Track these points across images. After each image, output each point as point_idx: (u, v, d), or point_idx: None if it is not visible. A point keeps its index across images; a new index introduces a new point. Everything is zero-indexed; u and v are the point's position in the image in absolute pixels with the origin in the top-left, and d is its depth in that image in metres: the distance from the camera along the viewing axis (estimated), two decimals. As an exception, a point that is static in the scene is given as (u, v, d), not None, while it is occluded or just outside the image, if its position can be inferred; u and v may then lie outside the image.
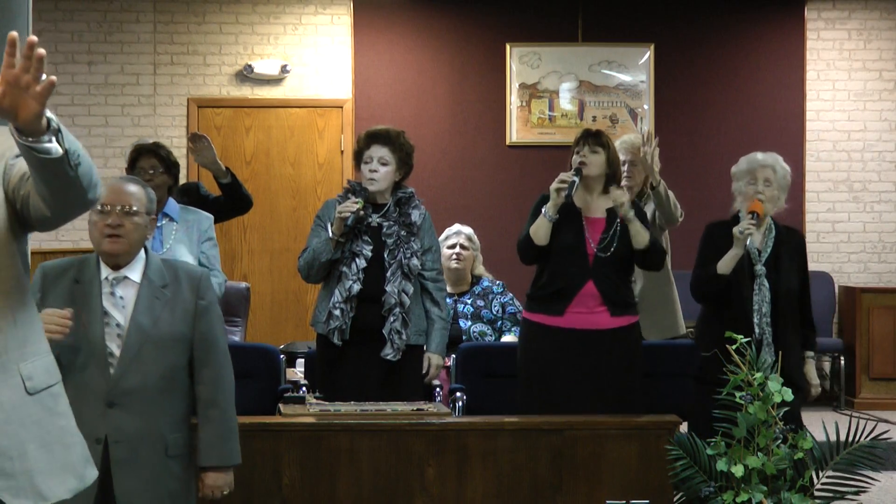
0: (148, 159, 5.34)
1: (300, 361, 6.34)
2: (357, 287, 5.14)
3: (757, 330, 5.06)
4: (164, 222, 5.29)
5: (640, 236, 5.16)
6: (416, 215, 5.26)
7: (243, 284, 7.71)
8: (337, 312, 5.14)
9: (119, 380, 3.65)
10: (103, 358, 3.65)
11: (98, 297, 3.70)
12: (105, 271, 3.74)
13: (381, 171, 5.23)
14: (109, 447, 3.64)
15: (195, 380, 3.77)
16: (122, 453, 3.64)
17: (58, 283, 3.75)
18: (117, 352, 3.67)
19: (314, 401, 4.86)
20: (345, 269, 5.16)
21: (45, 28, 9.09)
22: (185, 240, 5.26)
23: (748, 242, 5.13)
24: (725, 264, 5.09)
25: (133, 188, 3.79)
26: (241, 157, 9.31)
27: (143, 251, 3.79)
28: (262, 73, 9.26)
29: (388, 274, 5.16)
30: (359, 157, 5.31)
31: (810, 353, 5.28)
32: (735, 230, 5.07)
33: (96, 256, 3.77)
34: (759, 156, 5.25)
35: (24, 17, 5.02)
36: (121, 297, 3.71)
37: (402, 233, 5.21)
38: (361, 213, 5.14)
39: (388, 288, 5.15)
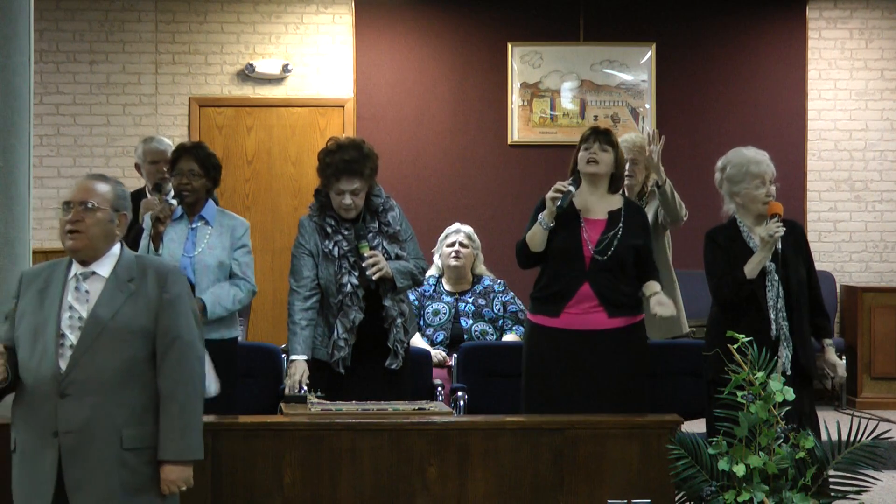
0: (187, 161, 5.26)
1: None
2: (360, 317, 5.11)
3: (774, 326, 5.05)
4: (198, 224, 5.26)
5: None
6: (392, 218, 5.22)
7: (245, 284, 7.71)
8: (341, 343, 5.12)
9: (71, 370, 3.66)
10: (55, 351, 3.67)
11: (60, 294, 3.74)
12: (75, 269, 3.77)
13: (354, 201, 5.12)
14: (61, 438, 3.65)
15: (157, 373, 3.73)
16: (71, 444, 3.66)
17: (31, 286, 3.80)
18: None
19: (316, 400, 4.86)
20: (346, 301, 5.12)
21: (46, 27, 9.10)
22: (218, 244, 5.22)
23: (749, 242, 5.12)
24: (753, 269, 5.06)
25: (96, 184, 3.79)
26: (242, 156, 9.31)
27: (117, 247, 3.80)
28: (264, 72, 9.26)
29: (382, 290, 5.15)
30: (326, 178, 5.14)
31: (828, 341, 5.26)
32: (763, 234, 5.04)
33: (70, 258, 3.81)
34: (755, 154, 5.21)
35: (26, 16, 5.01)
36: (86, 292, 3.73)
37: (384, 242, 5.19)
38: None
39: (386, 303, 5.15)
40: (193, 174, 5.25)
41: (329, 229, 5.18)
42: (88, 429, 3.65)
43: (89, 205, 3.73)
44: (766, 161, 5.20)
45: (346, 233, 5.16)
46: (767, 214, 5.12)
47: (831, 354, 5.25)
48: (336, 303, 5.13)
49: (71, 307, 3.72)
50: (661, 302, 5.12)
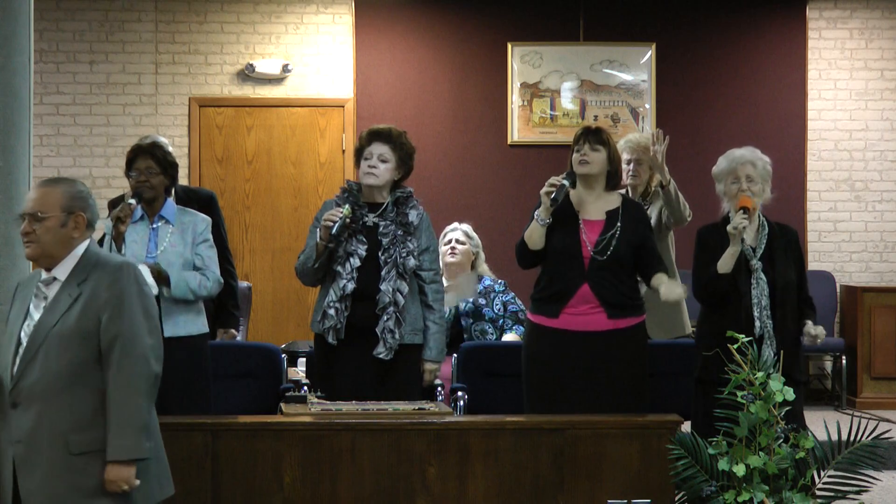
0: (144, 160, 5.29)
1: (301, 361, 6.35)
2: (351, 286, 5.15)
3: (758, 324, 5.06)
4: (159, 224, 5.28)
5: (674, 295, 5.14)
6: (413, 215, 5.26)
7: (245, 284, 7.72)
8: (331, 311, 5.15)
9: (19, 379, 3.68)
10: (11, 360, 3.70)
11: (27, 301, 3.76)
12: (43, 275, 3.78)
13: (380, 167, 5.24)
14: (14, 447, 3.67)
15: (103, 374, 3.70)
16: (22, 453, 3.67)
17: (20, 293, 3.84)
18: None
19: (316, 400, 4.86)
20: (339, 268, 5.17)
21: (46, 27, 9.10)
22: (180, 242, 5.24)
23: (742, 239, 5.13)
24: (725, 263, 5.09)
25: (46, 192, 3.76)
26: (242, 156, 9.31)
27: (81, 248, 3.77)
28: (264, 72, 9.26)
29: (383, 273, 5.16)
30: (359, 155, 5.32)
31: (809, 322, 5.21)
32: (729, 228, 5.08)
33: None
34: (737, 152, 5.26)
35: (26, 16, 5.02)
36: (45, 298, 3.74)
37: (399, 232, 5.21)
38: (347, 221, 5.14)
39: (382, 287, 5.15)
40: (151, 171, 5.29)
41: (340, 202, 5.27)
42: (35, 437, 3.65)
43: (37, 214, 3.72)
44: (746, 158, 5.22)
45: (355, 206, 5.25)
46: (736, 208, 5.14)
47: (810, 326, 5.19)
48: (331, 271, 5.19)
49: (30, 315, 3.73)
50: (669, 290, 5.09)
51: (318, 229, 5.25)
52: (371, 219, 5.24)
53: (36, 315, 3.72)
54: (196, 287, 5.19)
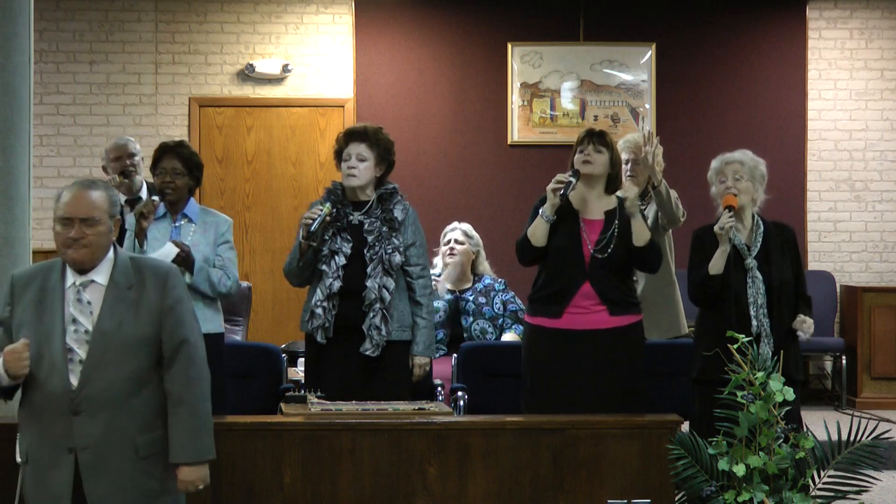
0: (170, 160, 5.31)
1: (301, 361, 6.35)
2: (337, 284, 5.16)
3: (754, 323, 5.07)
4: (182, 222, 5.30)
5: (642, 233, 5.16)
6: (398, 211, 5.27)
7: (245, 284, 7.72)
8: (318, 311, 5.17)
9: (83, 387, 3.65)
10: (65, 367, 3.65)
11: (61, 305, 3.70)
12: (72, 277, 3.72)
13: (359, 167, 5.26)
14: (78, 454, 3.65)
15: (164, 377, 3.73)
16: (90, 460, 3.65)
17: (26, 291, 3.75)
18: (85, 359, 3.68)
19: (315, 400, 4.87)
20: (324, 267, 5.20)
21: (46, 27, 9.10)
22: (202, 241, 5.26)
23: (735, 239, 5.13)
24: (716, 264, 5.11)
25: (93, 196, 3.72)
26: (242, 156, 9.31)
27: (111, 251, 3.77)
28: (264, 72, 9.26)
29: (369, 269, 5.17)
30: (339, 157, 5.35)
31: (801, 316, 5.20)
32: (716, 228, 5.10)
33: (62, 261, 3.74)
34: (728, 153, 5.29)
35: (25, 16, 5.02)
36: (88, 303, 3.70)
37: (384, 229, 5.23)
38: (328, 218, 5.16)
39: (368, 283, 5.16)
40: (176, 173, 5.31)
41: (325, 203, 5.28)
42: (105, 443, 3.66)
43: (93, 219, 3.69)
44: (735, 158, 5.26)
45: (339, 205, 5.27)
46: (722, 207, 5.16)
47: (799, 318, 5.19)
48: (318, 270, 5.21)
49: (75, 320, 3.68)
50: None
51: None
52: (356, 217, 5.26)
53: (85, 321, 3.69)
54: (216, 282, 5.23)
